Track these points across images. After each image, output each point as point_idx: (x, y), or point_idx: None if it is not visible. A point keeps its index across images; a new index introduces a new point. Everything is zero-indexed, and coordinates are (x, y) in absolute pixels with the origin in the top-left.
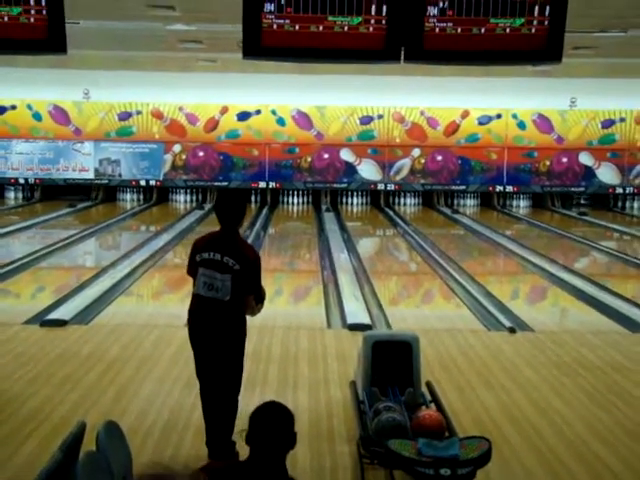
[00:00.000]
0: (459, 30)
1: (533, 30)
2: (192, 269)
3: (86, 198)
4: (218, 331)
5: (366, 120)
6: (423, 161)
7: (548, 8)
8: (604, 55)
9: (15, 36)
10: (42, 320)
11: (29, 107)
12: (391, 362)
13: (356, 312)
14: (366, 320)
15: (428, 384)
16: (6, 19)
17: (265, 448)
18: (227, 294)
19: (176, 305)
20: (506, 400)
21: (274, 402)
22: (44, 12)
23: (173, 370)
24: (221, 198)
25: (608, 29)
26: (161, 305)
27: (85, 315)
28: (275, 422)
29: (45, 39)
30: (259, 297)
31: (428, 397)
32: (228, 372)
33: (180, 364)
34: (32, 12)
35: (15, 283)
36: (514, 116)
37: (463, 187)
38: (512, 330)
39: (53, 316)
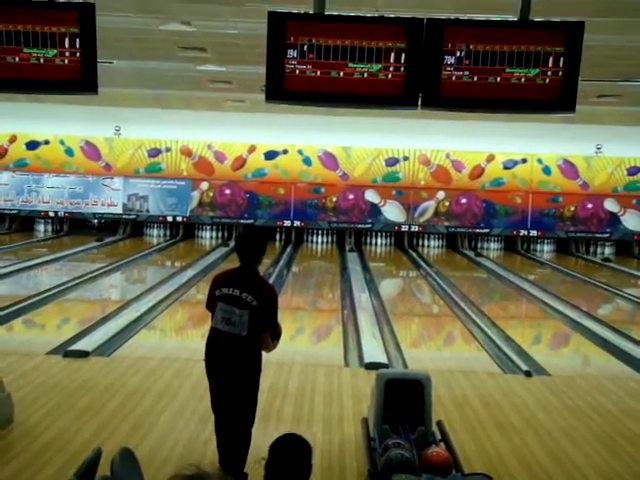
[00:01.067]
0: (475, 79)
1: (547, 80)
2: (211, 303)
3: (112, 234)
4: (234, 365)
5: (392, 162)
6: (447, 204)
7: (562, 60)
8: (629, 103)
9: (50, 77)
10: (65, 351)
11: (61, 142)
12: (403, 400)
13: (374, 352)
14: (383, 360)
15: (439, 423)
16: (42, 61)
17: (284, 478)
18: (244, 329)
19: (197, 340)
20: (517, 442)
21: (294, 434)
22: (78, 55)
23: (190, 403)
24: (242, 236)
25: (632, 78)
26: (182, 340)
27: (107, 347)
28: (294, 453)
29: (78, 80)
30: (275, 334)
31: (438, 436)
32: (242, 405)
33: (197, 397)
34: (67, 54)
35: (41, 314)
36: (539, 161)
37: (487, 230)
38: (528, 374)
39: (76, 347)
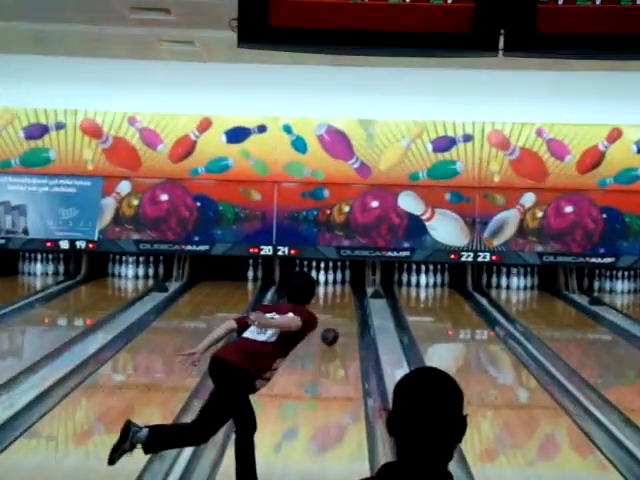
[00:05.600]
0: (597, 1)
1: None
2: None
3: None
4: None
5: (443, 144)
6: (541, 215)
7: None
8: None
9: None
10: None
11: None
12: None
13: None
14: None
15: None
16: None
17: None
18: None
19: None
20: None
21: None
22: None
23: None
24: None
25: None
26: (87, 454)
27: None
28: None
29: None
30: None
31: None
32: None
33: None
34: None
35: None
36: None
37: (611, 260)
38: None
39: None
